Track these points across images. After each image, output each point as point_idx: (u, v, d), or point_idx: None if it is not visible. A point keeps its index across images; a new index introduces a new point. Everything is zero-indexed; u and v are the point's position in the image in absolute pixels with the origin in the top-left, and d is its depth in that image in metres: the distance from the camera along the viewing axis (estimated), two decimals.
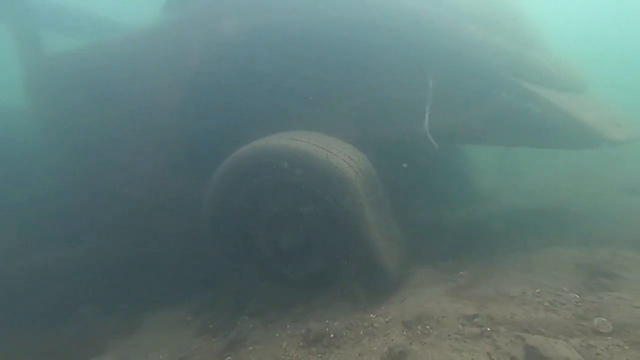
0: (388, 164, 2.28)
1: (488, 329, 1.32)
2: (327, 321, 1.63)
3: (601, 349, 1.09)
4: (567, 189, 3.95)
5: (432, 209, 3.29)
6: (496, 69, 1.94)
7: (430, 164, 3.20)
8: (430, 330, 1.40)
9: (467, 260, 2.03)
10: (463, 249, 2.21)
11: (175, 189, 2.42)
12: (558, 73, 2.11)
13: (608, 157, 4.71)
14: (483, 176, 4.28)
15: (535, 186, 4.34)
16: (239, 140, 2.04)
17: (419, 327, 1.43)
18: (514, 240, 2.17)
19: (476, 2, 2.09)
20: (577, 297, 1.43)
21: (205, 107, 2.29)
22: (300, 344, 1.51)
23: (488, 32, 2.01)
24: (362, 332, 1.49)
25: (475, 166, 4.25)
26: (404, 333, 1.41)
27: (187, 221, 2.37)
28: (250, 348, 1.60)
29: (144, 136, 2.41)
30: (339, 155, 1.80)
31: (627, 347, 1.09)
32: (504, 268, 1.80)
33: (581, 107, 1.92)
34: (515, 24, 2.16)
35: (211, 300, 2.38)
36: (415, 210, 3.10)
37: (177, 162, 2.38)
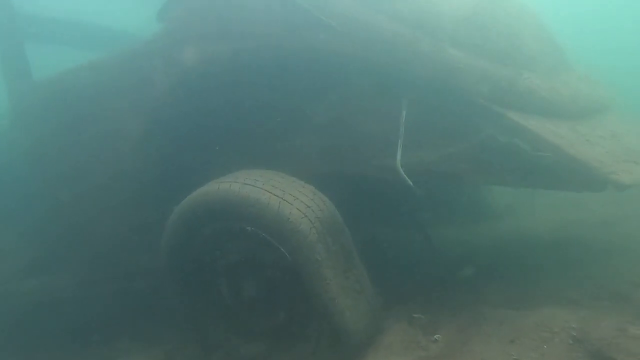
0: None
1: None
2: None
3: None
4: (594, 203, 3.50)
5: (431, 230, 3.02)
6: (479, 99, 1.68)
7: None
8: None
9: (448, 313, 1.79)
10: (448, 295, 1.97)
11: (146, 221, 2.33)
12: (561, 97, 1.80)
13: None
14: (500, 188, 3.92)
15: (557, 200, 3.92)
16: (205, 172, 1.91)
17: None
18: (506, 290, 1.90)
19: (462, 21, 1.82)
20: None
21: (170, 137, 2.18)
22: None
23: (473, 55, 1.75)
24: None
25: None
26: None
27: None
28: None
29: (111, 166, 2.33)
30: (294, 203, 1.60)
31: None
32: (485, 333, 1.55)
33: (586, 141, 1.62)
34: (510, 42, 1.86)
35: (183, 343, 2.26)
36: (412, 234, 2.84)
37: (146, 192, 2.28)
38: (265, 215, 1.57)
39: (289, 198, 1.62)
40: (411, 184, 1.78)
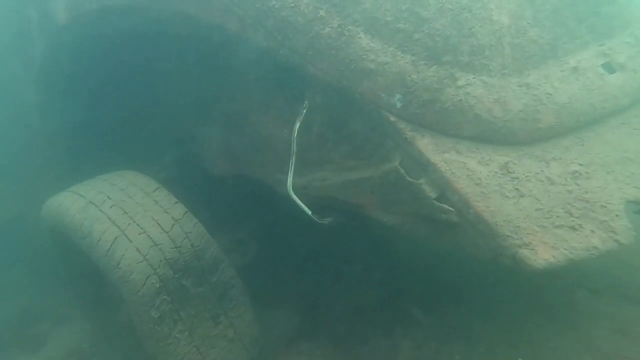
0: None
1: None
2: None
3: None
4: None
5: None
6: (389, 114, 1.21)
7: None
8: None
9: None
10: (355, 330, 1.69)
11: None
12: (505, 115, 1.23)
13: None
14: None
15: None
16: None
17: None
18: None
19: None
20: None
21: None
22: None
23: (395, 46, 1.23)
24: None
25: None
26: None
27: None
28: None
29: None
30: (136, 240, 1.27)
31: None
32: None
33: (514, 189, 1.14)
34: (457, 26, 1.29)
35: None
36: None
37: None
38: (95, 254, 1.26)
39: (131, 232, 1.28)
40: (308, 211, 1.39)
